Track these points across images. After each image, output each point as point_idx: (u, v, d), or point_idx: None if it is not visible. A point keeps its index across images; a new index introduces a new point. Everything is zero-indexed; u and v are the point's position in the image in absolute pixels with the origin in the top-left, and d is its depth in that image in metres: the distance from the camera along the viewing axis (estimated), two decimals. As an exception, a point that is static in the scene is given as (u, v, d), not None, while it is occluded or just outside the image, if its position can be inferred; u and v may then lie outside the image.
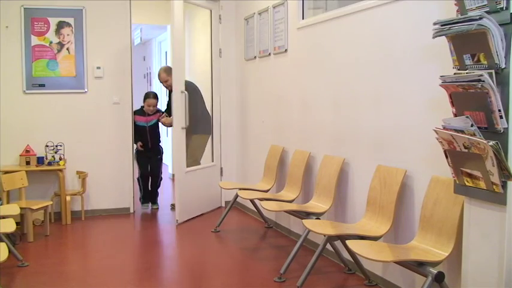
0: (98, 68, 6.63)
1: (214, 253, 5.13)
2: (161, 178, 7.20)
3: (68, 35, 6.49)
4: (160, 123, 7.07)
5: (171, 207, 7.15)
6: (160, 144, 7.18)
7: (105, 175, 6.62)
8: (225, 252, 5.15)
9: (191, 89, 6.52)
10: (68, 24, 6.48)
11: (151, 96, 6.99)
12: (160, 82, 6.90)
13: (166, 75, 6.70)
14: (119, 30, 6.69)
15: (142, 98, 6.93)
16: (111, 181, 6.63)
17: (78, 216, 6.48)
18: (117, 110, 6.68)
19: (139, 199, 7.17)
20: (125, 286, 4.21)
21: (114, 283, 4.26)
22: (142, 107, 6.95)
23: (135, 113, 6.86)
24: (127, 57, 6.73)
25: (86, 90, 6.60)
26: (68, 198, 6.28)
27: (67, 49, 6.50)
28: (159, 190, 7.23)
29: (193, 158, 6.65)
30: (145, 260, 4.92)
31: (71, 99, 6.55)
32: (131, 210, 6.82)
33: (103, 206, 6.72)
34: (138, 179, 7.08)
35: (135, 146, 6.83)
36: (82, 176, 6.46)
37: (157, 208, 7.12)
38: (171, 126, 6.41)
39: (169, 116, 6.69)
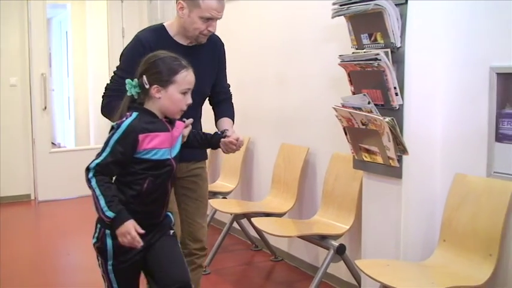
0: (-7, 48, 6.26)
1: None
2: None
3: (-43, 11, 6.08)
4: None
5: None
6: None
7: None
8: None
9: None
10: (-43, 0, 6.07)
11: (184, 63, 2.26)
12: (204, 19, 2.79)
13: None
14: (15, 7, 6.31)
15: (146, 72, 2.19)
16: (4, 167, 6.22)
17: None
18: (14, 92, 6.32)
19: None
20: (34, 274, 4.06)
21: (23, 273, 4.08)
22: (139, 105, 2.18)
23: (134, 129, 2.09)
24: (24, 37, 6.38)
25: (-20, 71, 6.22)
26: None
27: (-44, 27, 6.09)
28: None
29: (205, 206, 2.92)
30: (56, 250, 4.73)
31: (-37, 81, 6.15)
32: (32, 197, 6.39)
33: (-2, 194, 6.29)
34: None
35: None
36: (-24, 162, 6.10)
37: None
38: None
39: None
